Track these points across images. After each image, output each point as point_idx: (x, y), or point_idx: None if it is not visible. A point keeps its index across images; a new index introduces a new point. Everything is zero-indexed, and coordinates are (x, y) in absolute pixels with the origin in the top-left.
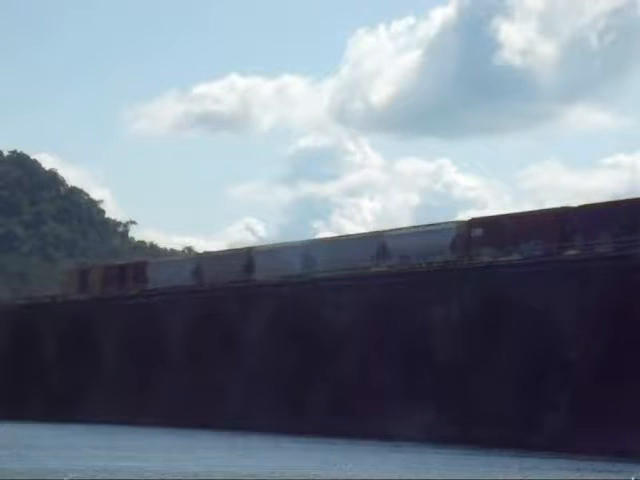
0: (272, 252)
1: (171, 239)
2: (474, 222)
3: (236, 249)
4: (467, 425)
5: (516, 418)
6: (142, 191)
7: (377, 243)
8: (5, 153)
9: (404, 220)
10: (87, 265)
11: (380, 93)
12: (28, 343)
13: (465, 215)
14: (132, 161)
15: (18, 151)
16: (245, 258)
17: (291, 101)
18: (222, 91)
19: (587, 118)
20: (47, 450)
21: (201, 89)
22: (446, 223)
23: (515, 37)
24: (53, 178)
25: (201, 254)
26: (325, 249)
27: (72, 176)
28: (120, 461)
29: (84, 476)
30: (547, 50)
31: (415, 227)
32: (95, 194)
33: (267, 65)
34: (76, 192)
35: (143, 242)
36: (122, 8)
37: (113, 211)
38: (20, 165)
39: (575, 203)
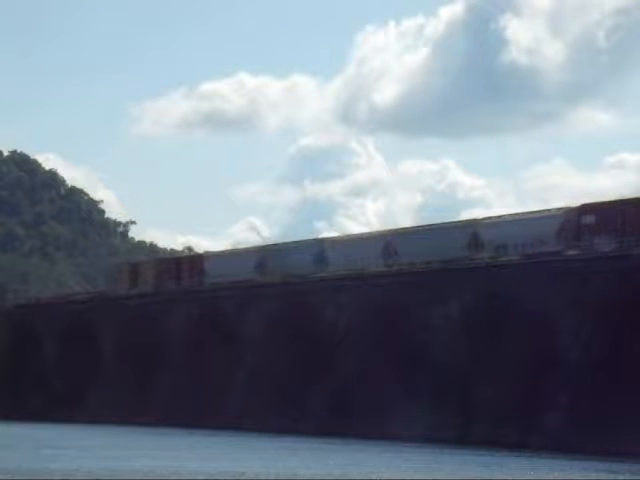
0: (347, 243)
1: (175, 239)
2: (585, 208)
3: (305, 240)
4: (467, 425)
5: (516, 418)
6: (146, 191)
7: (468, 233)
8: (5, 153)
9: (408, 221)
10: (138, 259)
11: (385, 93)
12: (28, 343)
13: (468, 215)
14: (137, 160)
15: (18, 151)
16: (316, 250)
17: (298, 101)
18: (230, 89)
19: (592, 118)
20: (72, 450)
21: (209, 87)
22: (551, 210)
23: (521, 37)
24: (53, 178)
25: (264, 246)
26: (408, 240)
27: (76, 176)
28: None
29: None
30: (552, 50)
31: (513, 214)
32: (99, 194)
33: (277, 64)
34: (76, 192)
35: (143, 242)
36: (128, 4)
37: (116, 211)
38: (20, 165)
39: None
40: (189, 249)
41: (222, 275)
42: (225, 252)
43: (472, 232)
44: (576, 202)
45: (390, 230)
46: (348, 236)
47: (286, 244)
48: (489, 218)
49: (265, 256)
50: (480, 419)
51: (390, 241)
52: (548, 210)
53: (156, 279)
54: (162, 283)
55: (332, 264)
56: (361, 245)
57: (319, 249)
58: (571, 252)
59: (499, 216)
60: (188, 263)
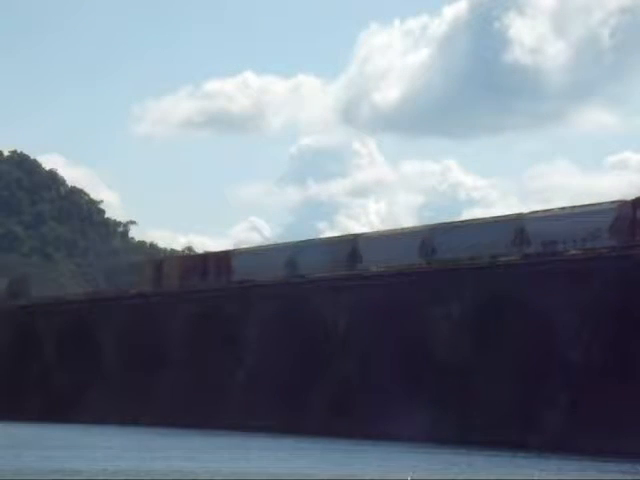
0: (382, 240)
1: (176, 239)
2: None
3: (339, 236)
4: (467, 425)
5: (516, 418)
6: (147, 191)
7: (514, 227)
8: (5, 153)
9: (409, 221)
10: (162, 256)
11: (387, 93)
12: (28, 344)
13: (469, 215)
14: (138, 160)
15: (18, 151)
16: (350, 246)
17: (302, 101)
18: (235, 89)
19: (595, 118)
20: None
21: (214, 86)
22: (602, 203)
23: (524, 36)
24: (53, 178)
25: (296, 243)
26: (449, 235)
27: (76, 176)
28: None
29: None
30: (555, 49)
31: (563, 208)
32: (100, 194)
33: (283, 64)
34: (76, 192)
35: (143, 242)
36: (130, 2)
37: (117, 211)
38: (20, 165)
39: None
40: (189, 249)
41: (251, 273)
42: (254, 249)
43: (518, 227)
44: (578, 202)
45: (428, 225)
46: (383, 232)
47: (318, 240)
48: (536, 212)
49: (295, 253)
50: (480, 419)
51: (428, 237)
52: (600, 204)
53: (181, 277)
54: (187, 281)
55: (365, 261)
56: (397, 242)
57: (352, 246)
58: (572, 252)
59: (547, 210)
60: (215, 260)
